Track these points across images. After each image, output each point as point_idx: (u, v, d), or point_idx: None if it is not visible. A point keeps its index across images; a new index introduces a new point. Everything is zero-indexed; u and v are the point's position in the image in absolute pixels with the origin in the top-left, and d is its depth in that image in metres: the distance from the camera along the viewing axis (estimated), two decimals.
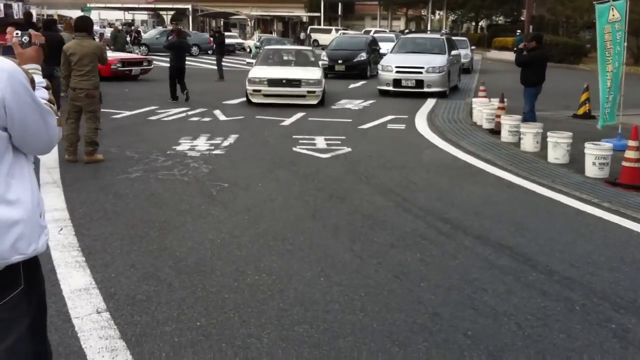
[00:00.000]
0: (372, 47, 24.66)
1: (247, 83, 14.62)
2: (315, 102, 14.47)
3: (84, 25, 8.49)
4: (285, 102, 14.33)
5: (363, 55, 23.08)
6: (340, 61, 22.68)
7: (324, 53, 23.55)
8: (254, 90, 14.47)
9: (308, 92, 14.45)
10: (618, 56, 9.91)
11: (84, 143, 8.29)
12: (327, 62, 22.26)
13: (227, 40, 39.53)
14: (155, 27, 53.08)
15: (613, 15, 9.80)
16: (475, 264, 5.00)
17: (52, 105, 2.37)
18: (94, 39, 9.93)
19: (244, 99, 15.17)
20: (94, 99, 8.33)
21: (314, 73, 15.04)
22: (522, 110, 11.41)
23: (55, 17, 31.02)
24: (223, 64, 22.04)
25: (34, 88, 2.28)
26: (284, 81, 14.54)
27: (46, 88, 2.45)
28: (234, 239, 5.43)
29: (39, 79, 2.45)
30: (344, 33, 37.31)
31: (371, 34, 39.76)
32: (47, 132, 2.28)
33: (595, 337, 3.86)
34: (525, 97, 11.38)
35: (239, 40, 46.40)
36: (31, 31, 2.62)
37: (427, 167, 8.60)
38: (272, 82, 14.47)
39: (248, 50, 39.85)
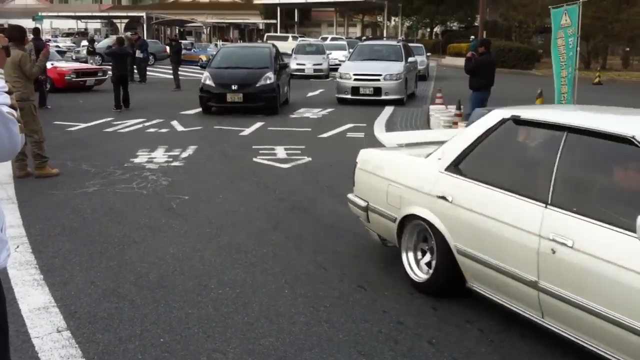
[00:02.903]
0: (279, 62, 16.53)
1: None
2: None
3: (12, 35, 8.26)
4: None
5: (270, 77, 14.77)
6: (234, 87, 14.51)
7: (205, 74, 15.24)
8: None
9: None
10: (570, 61, 10.14)
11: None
12: (211, 88, 14.73)
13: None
14: (108, 36, 52.39)
15: (565, 20, 10.03)
16: None
17: (14, 111, 2.31)
18: (39, 49, 9.69)
19: (201, 109, 15.01)
20: (21, 112, 8.07)
21: None
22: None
23: (6, 26, 30.38)
24: (179, 73, 21.87)
25: None
26: None
27: (8, 92, 2.38)
28: (196, 253, 5.38)
29: (0, 83, 2.39)
30: (302, 40, 36.60)
31: (328, 40, 39.83)
32: (10, 139, 2.22)
33: (557, 341, 3.93)
34: (470, 100, 11.84)
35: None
36: None
37: None
38: None
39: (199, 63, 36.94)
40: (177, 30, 67.36)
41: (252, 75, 14.83)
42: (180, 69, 22.14)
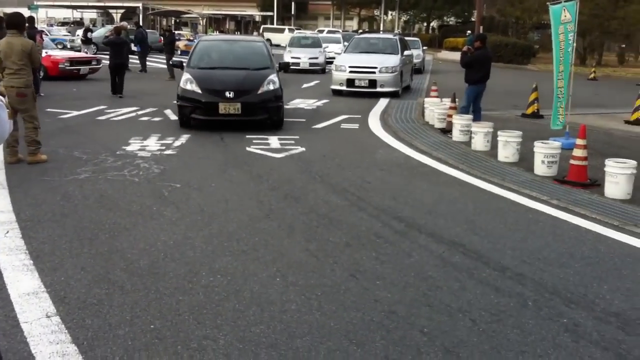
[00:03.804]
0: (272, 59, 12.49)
1: None
2: None
3: (14, 22, 8.18)
4: None
5: (274, 80, 11.35)
6: (229, 94, 10.81)
7: (185, 77, 11.29)
8: None
9: None
10: (567, 56, 10.15)
11: (25, 144, 8.03)
12: (196, 95, 10.93)
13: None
14: (104, 26, 52.04)
15: (565, 16, 10.03)
16: (429, 262, 5.04)
17: (2, 98, 2.29)
18: (32, 37, 9.60)
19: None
20: (24, 98, 8.03)
21: None
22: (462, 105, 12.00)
23: (1, 14, 30.14)
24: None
25: None
26: None
27: None
28: (187, 240, 5.35)
29: None
30: (298, 32, 36.06)
31: (324, 33, 39.58)
32: None
33: (548, 332, 3.93)
34: (466, 94, 11.91)
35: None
36: None
37: (381, 166, 8.65)
38: None
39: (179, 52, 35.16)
40: (172, 21, 67.01)
41: (251, 78, 11.28)
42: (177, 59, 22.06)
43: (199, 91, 10.93)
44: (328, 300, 4.26)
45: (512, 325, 3.99)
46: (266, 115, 11.14)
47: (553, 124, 10.62)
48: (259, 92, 11.03)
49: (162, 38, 30.25)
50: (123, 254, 4.98)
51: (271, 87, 11.19)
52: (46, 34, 33.99)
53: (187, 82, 11.12)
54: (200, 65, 11.86)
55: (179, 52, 35.00)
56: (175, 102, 11.38)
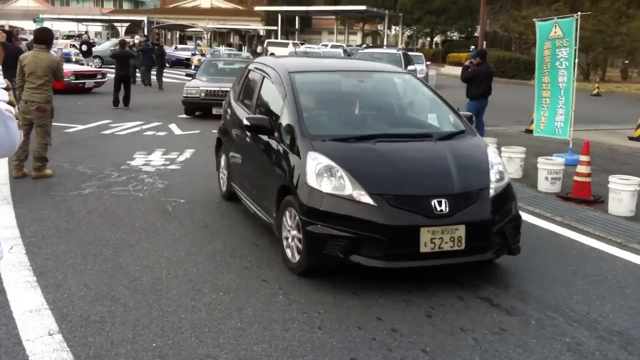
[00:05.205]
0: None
1: None
2: None
3: (43, 38, 8.22)
4: None
5: (499, 165, 5.32)
6: (438, 204, 4.70)
7: (320, 163, 4.88)
8: None
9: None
10: (554, 71, 10.18)
11: (32, 158, 8.06)
12: (367, 211, 4.63)
13: None
14: (108, 39, 52.32)
15: (555, 32, 10.06)
16: (431, 279, 5.03)
17: (13, 108, 2.30)
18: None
19: (199, 112, 14.89)
20: (44, 113, 8.08)
21: None
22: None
23: (7, 27, 30.36)
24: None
25: None
26: None
27: (6, 89, 2.37)
28: (191, 257, 5.35)
29: None
30: (306, 47, 35.59)
31: (328, 48, 39.62)
32: (9, 136, 2.21)
33: (550, 351, 3.91)
34: (466, 109, 11.93)
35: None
36: None
37: None
38: None
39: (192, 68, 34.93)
40: (177, 34, 67.34)
41: (465, 163, 5.23)
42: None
43: (371, 201, 4.72)
44: (330, 318, 4.26)
45: (514, 344, 3.98)
46: (500, 242, 5.02)
47: (535, 131, 10.78)
48: (492, 194, 5.05)
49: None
50: (126, 271, 4.99)
51: (503, 181, 5.24)
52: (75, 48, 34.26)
53: (327, 175, 4.90)
54: (333, 132, 5.48)
55: (193, 67, 35.26)
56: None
